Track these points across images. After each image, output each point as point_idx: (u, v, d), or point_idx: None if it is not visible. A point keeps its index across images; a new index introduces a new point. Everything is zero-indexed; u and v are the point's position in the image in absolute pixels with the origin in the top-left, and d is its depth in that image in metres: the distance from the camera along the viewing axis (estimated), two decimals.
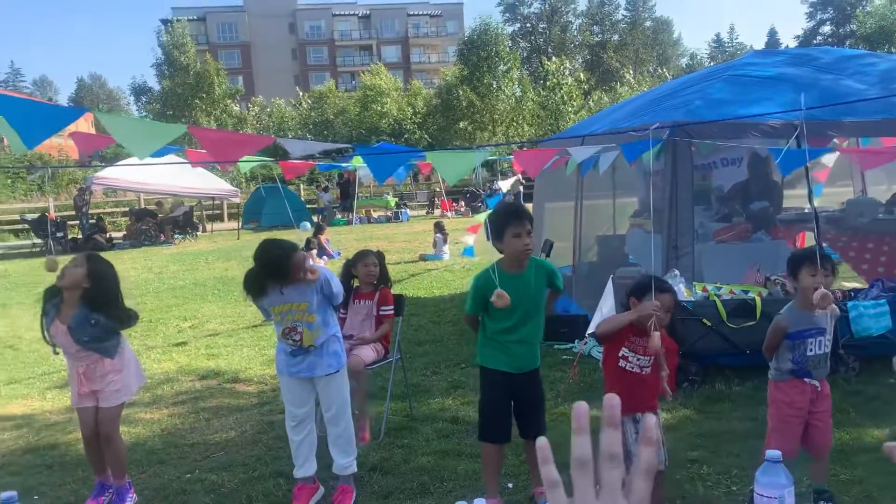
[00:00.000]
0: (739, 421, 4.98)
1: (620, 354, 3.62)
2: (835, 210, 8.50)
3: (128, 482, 4.20)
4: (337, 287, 4.04)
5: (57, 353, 4.08)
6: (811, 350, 3.61)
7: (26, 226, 22.48)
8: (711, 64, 57.72)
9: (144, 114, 47.51)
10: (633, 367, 3.59)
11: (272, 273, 3.83)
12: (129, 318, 4.10)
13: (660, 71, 61.67)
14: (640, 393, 3.60)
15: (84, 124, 52.92)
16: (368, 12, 78.40)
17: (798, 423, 3.62)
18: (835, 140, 6.57)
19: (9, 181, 31.09)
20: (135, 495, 4.19)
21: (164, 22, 53.42)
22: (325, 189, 30.46)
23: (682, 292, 5.78)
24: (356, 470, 4.09)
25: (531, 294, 3.73)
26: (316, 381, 4.02)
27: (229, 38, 74.82)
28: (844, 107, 6.00)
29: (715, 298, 5.75)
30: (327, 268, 4.19)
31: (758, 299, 5.68)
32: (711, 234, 7.30)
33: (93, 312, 3.92)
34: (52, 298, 4.01)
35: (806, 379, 3.62)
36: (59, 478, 4.59)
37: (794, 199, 8.54)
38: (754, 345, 5.56)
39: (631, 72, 58.01)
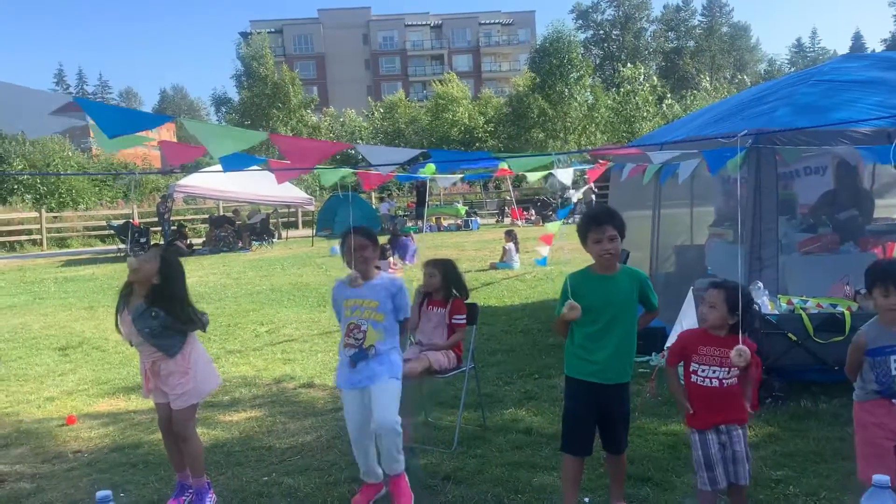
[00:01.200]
0: (827, 441, 4.76)
1: (690, 370, 3.52)
2: None
3: (207, 483, 4.29)
4: (406, 303, 4.16)
5: (133, 346, 4.18)
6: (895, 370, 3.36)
7: (111, 231, 23.43)
8: (792, 70, 55.96)
9: (224, 123, 49.00)
10: (704, 381, 3.48)
11: (372, 235, 4.14)
12: (194, 321, 4.15)
13: (738, 77, 60.14)
14: (721, 405, 3.49)
15: (167, 134, 54.96)
16: (440, 22, 79.07)
17: (891, 446, 3.37)
18: None
19: (96, 188, 32.52)
20: (214, 496, 4.28)
21: (244, 35, 55.06)
22: (382, 199, 30.76)
23: (767, 305, 5.58)
24: (404, 464, 4.10)
25: (620, 298, 3.63)
26: (371, 389, 4.01)
27: (305, 49, 76.63)
28: None
29: (801, 312, 5.53)
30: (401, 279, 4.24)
31: (847, 313, 5.43)
32: (796, 245, 7.02)
33: (153, 306, 4.03)
34: (124, 292, 4.15)
35: (894, 400, 3.36)
36: (142, 476, 4.73)
37: (885, 209, 8.16)
38: (843, 361, 5.35)
39: (707, 78, 56.67)
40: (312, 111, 51.29)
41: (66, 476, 4.82)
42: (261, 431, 5.54)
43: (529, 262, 14.78)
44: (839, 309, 5.53)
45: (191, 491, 4.29)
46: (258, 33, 50.39)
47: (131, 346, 4.20)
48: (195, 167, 24.40)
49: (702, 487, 3.52)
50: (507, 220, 28.19)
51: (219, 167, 4.51)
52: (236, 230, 22.83)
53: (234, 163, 5.14)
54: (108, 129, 3.58)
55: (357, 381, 4.03)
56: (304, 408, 6.10)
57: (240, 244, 22.24)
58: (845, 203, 7.51)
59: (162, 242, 21.58)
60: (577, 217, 26.03)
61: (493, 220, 29.81)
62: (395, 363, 4.11)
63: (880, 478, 1.70)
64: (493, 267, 14.98)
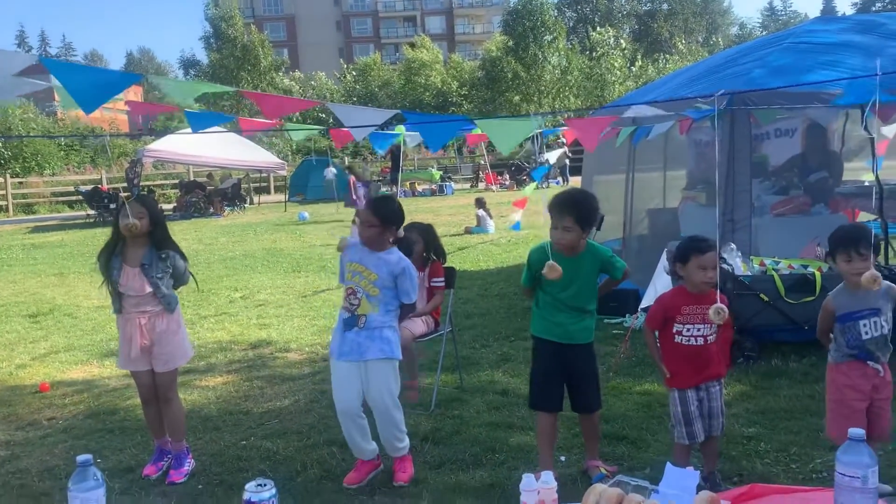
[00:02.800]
0: (797, 398, 4.86)
1: (674, 331, 3.56)
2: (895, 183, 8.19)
3: (186, 447, 4.29)
4: (411, 287, 3.91)
5: (119, 313, 4.11)
6: (866, 333, 3.38)
7: (80, 197, 23.02)
8: (764, 33, 56.08)
9: None
10: (690, 340, 3.52)
11: (390, 218, 3.90)
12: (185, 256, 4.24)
13: (713, 39, 60.13)
14: (703, 364, 3.55)
15: (135, 96, 53.85)
16: None
17: (860, 408, 3.43)
18: None
19: (62, 153, 31.83)
20: (193, 461, 4.28)
21: None
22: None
23: (739, 267, 5.65)
24: (408, 447, 4.04)
25: (581, 279, 3.70)
26: (366, 366, 3.87)
27: (274, 10, 75.18)
28: None
29: (773, 273, 5.61)
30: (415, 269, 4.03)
31: (818, 274, 5.52)
32: (768, 207, 7.10)
33: (159, 248, 4.08)
34: (111, 253, 4.09)
35: (869, 362, 3.41)
36: (119, 442, 4.71)
37: (854, 171, 8.25)
38: (813, 320, 5.42)
39: (683, 41, 56.61)
40: (283, 74, 50.52)
41: (42, 443, 4.78)
42: (238, 396, 5.53)
43: (504, 227, 14.81)
44: (810, 270, 5.62)
45: (169, 456, 4.28)
46: None
47: (117, 311, 4.11)
48: (164, 131, 23.99)
49: (679, 441, 3.60)
50: (482, 185, 28.14)
51: (188, 129, 4.44)
52: (207, 195, 22.55)
53: (202, 121, 5.06)
54: (85, 104, 3.49)
55: (346, 353, 3.89)
56: (281, 372, 6.09)
57: (211, 210, 21.97)
58: (814, 165, 7.59)
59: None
60: (550, 182, 25.98)
61: (467, 185, 29.73)
62: (388, 340, 3.89)
63: (856, 431, 1.74)
64: (469, 231, 14.99)
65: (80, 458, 1.82)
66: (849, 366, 3.45)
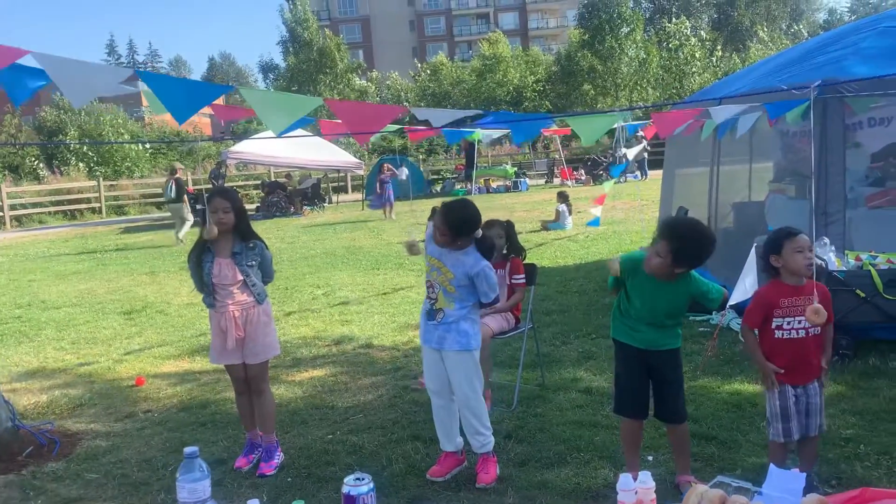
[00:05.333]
0: None
1: (773, 326, 3.44)
2: None
3: (275, 441, 4.41)
4: (489, 288, 3.87)
5: (212, 307, 4.24)
6: None
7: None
8: (853, 18, 53.60)
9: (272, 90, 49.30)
10: (791, 334, 3.40)
11: (462, 229, 3.85)
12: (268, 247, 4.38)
13: (794, 28, 57.90)
14: (806, 359, 3.44)
15: (218, 101, 55.47)
16: None
17: None
18: None
19: (149, 155, 33.12)
20: (282, 454, 4.39)
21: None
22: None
23: (833, 262, 5.43)
24: (492, 444, 4.03)
25: (665, 304, 3.56)
26: (444, 355, 3.95)
27: (349, 11, 76.28)
28: None
29: (870, 268, 5.36)
30: (493, 270, 3.95)
31: None
32: (863, 199, 6.78)
33: (246, 239, 4.25)
34: (202, 249, 4.25)
35: None
36: (211, 435, 4.88)
37: None
38: None
39: (765, 29, 54.70)
40: (359, 75, 51.23)
41: (139, 435, 4.99)
42: (323, 391, 5.65)
43: (581, 223, 14.64)
44: None
45: (260, 449, 4.41)
46: None
47: (210, 305, 4.25)
48: (245, 134, 24.66)
49: (774, 439, 3.49)
50: (557, 181, 27.88)
51: (269, 132, 4.56)
52: (288, 195, 23.09)
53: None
54: (178, 115, 3.64)
55: (430, 340, 3.99)
56: (364, 368, 6.19)
57: (292, 209, 22.51)
58: None
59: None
60: (628, 176, 25.52)
61: (542, 181, 29.52)
62: (465, 333, 3.90)
63: None
64: (545, 228, 14.87)
65: (188, 449, 1.89)
66: None
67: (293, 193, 23.30)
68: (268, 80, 52.97)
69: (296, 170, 25.04)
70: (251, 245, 4.26)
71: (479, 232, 3.95)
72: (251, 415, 4.43)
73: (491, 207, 19.50)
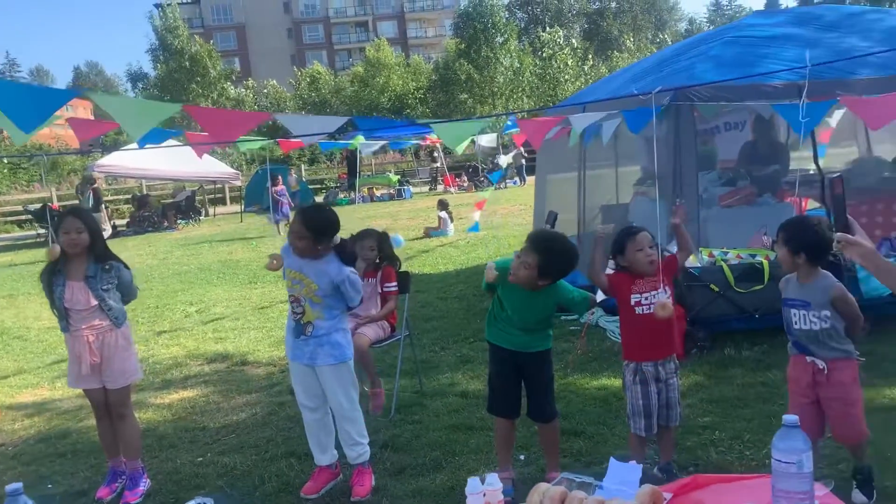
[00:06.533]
0: (751, 386, 4.95)
1: (633, 302, 3.60)
2: (840, 171, 8.39)
3: (141, 467, 4.20)
4: (355, 293, 3.86)
5: (67, 331, 4.01)
6: (796, 323, 3.36)
7: (30, 217, 22.48)
8: (711, 28, 57.09)
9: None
10: (649, 309, 3.55)
11: (322, 231, 3.80)
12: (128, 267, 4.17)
13: (660, 37, 61.04)
14: (663, 334, 3.60)
15: (83, 112, 52.80)
16: None
17: (805, 402, 3.38)
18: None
19: (6, 170, 31.02)
20: (148, 480, 4.20)
21: (158, 6, 53.03)
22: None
23: (689, 259, 5.73)
24: (368, 454, 4.01)
25: (534, 311, 3.66)
26: (319, 371, 3.90)
27: (224, 19, 74.28)
28: (851, 65, 5.89)
29: (722, 263, 5.71)
30: (356, 273, 3.95)
31: (765, 263, 5.63)
32: (717, 198, 7.22)
33: (102, 260, 4.01)
34: (53, 271, 4.01)
35: (808, 357, 3.36)
36: (71, 466, 4.60)
37: (799, 161, 8.44)
38: (763, 308, 5.56)
39: (631, 38, 57.42)
40: (234, 83, 49.97)
41: None
42: (194, 412, 5.44)
43: (463, 229, 14.84)
44: (758, 259, 5.73)
45: (124, 477, 4.19)
46: (169, 4, 48.36)
47: (65, 329, 4.01)
48: (114, 146, 23.54)
49: (636, 432, 3.66)
50: (440, 188, 28.16)
51: (135, 144, 4.38)
52: (161, 209, 22.19)
53: (149, 138, 4.98)
54: (24, 125, 3.40)
55: (300, 356, 3.92)
56: (238, 386, 6.01)
57: (165, 223, 21.63)
58: (764, 155, 7.75)
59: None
60: (508, 182, 26.05)
61: (426, 188, 29.73)
62: (338, 345, 3.87)
63: (790, 417, 1.77)
64: (428, 235, 14.97)
65: (10, 487, 1.76)
66: (794, 358, 3.47)
67: (166, 206, 22.41)
68: (137, 89, 50.78)
69: (169, 182, 24.14)
70: (107, 267, 4.02)
71: (338, 238, 3.92)
72: (113, 442, 4.20)
73: (375, 216, 19.47)
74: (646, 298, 3.58)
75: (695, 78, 6.21)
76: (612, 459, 1.90)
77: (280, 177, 20.08)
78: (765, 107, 6.05)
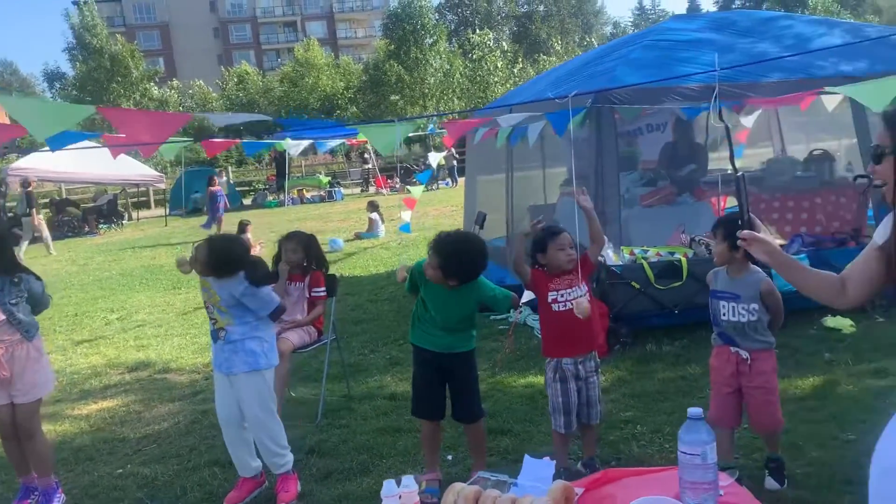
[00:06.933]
0: (671, 380, 5.09)
1: (550, 300, 3.66)
2: (756, 170, 8.72)
3: (55, 482, 4.05)
4: (262, 304, 3.79)
5: None
6: (724, 315, 3.50)
7: None
8: (635, 31, 58.50)
9: (58, 100, 45.59)
10: (567, 305, 3.62)
11: (224, 270, 3.72)
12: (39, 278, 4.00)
13: (587, 40, 62.23)
14: (581, 331, 3.65)
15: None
16: None
17: (726, 391, 3.53)
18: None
19: None
20: (63, 495, 4.05)
21: (75, 3, 51.18)
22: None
23: (611, 257, 5.86)
24: (291, 463, 3.94)
25: (456, 309, 3.70)
26: (233, 380, 3.82)
27: (147, 18, 72.24)
28: (762, 69, 6.13)
29: (642, 261, 5.85)
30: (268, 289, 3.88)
31: (683, 260, 5.80)
32: (638, 198, 7.40)
33: (10, 273, 3.84)
34: None
35: (732, 348, 3.50)
36: None
37: (718, 161, 8.73)
38: (682, 304, 5.74)
39: (559, 41, 58.34)
40: (157, 84, 48.64)
41: None
42: (113, 423, 5.27)
43: (394, 230, 14.79)
44: (676, 256, 5.90)
45: (37, 493, 4.03)
46: (86, 2, 46.58)
47: None
48: (31, 148, 22.64)
49: (557, 430, 3.73)
50: (372, 189, 28.03)
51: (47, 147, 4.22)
52: (82, 213, 21.44)
53: (61, 140, 4.79)
54: None
55: (220, 364, 3.85)
56: (161, 394, 5.85)
57: (86, 228, 20.90)
58: (683, 155, 7.98)
59: None
60: (440, 183, 26.13)
61: (357, 190, 29.54)
62: (252, 352, 3.78)
63: (694, 410, 1.83)
64: (358, 237, 14.90)
65: None
66: (718, 349, 3.61)
67: (87, 211, 21.66)
68: (54, 90, 48.91)
69: (90, 185, 23.34)
70: (15, 280, 3.84)
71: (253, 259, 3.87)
72: (23, 460, 4.02)
73: (305, 218, 19.25)
74: (562, 296, 3.65)
75: (615, 80, 6.35)
76: (526, 456, 1.93)
77: (216, 178, 19.66)
78: (678, 110, 6.24)
